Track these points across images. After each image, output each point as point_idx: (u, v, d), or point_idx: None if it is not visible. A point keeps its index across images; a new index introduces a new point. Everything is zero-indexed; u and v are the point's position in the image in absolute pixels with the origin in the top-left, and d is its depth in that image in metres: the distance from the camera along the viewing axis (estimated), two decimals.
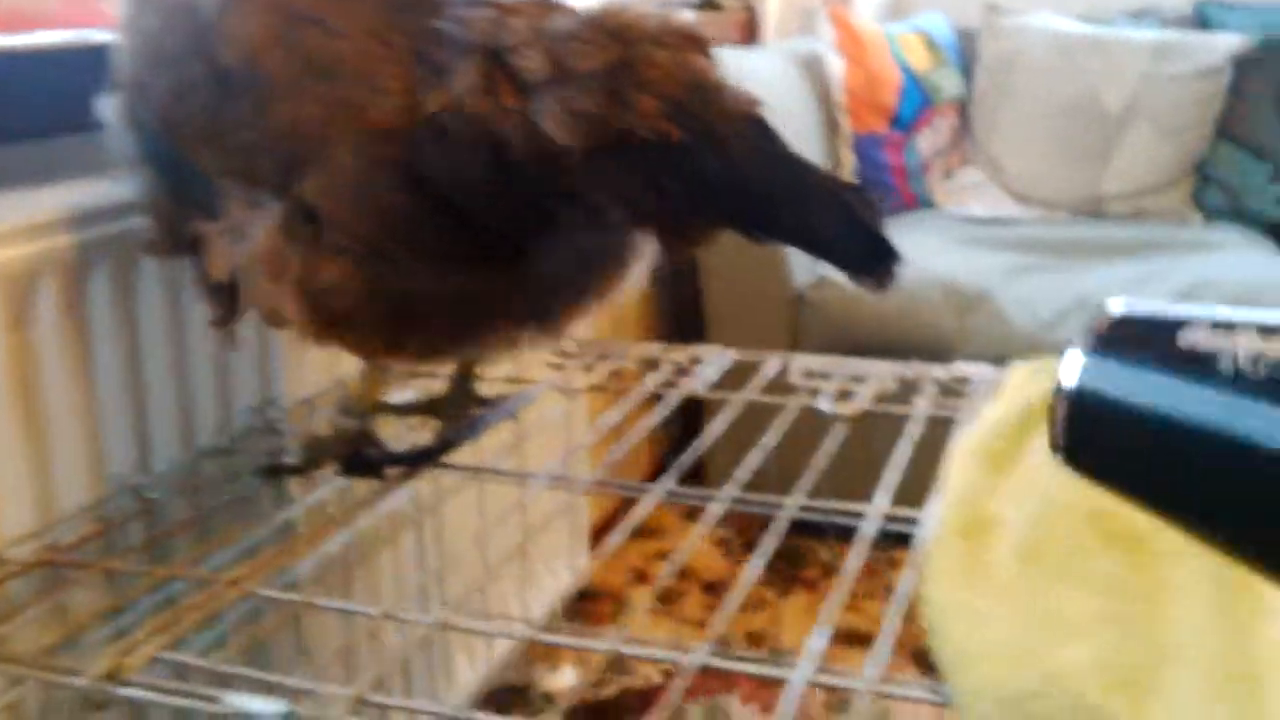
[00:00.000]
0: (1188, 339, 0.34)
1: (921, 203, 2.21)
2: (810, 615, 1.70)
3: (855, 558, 0.63)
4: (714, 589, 1.77)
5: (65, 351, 0.77)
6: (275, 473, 0.79)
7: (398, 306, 0.68)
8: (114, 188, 0.80)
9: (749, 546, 1.87)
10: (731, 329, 1.93)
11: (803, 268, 1.92)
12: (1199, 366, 0.34)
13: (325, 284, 0.67)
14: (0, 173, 0.87)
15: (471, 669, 1.25)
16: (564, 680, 1.66)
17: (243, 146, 0.66)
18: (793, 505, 0.69)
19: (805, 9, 2.44)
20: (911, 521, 0.66)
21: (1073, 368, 0.37)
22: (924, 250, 1.94)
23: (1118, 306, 0.38)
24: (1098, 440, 0.38)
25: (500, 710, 1.42)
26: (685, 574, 1.82)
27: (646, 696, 1.48)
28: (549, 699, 1.54)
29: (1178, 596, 0.50)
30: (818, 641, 0.53)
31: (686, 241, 0.65)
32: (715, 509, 0.70)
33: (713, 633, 0.56)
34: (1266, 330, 0.34)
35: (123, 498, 0.80)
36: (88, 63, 0.75)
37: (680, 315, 2.10)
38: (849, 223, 0.60)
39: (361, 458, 0.78)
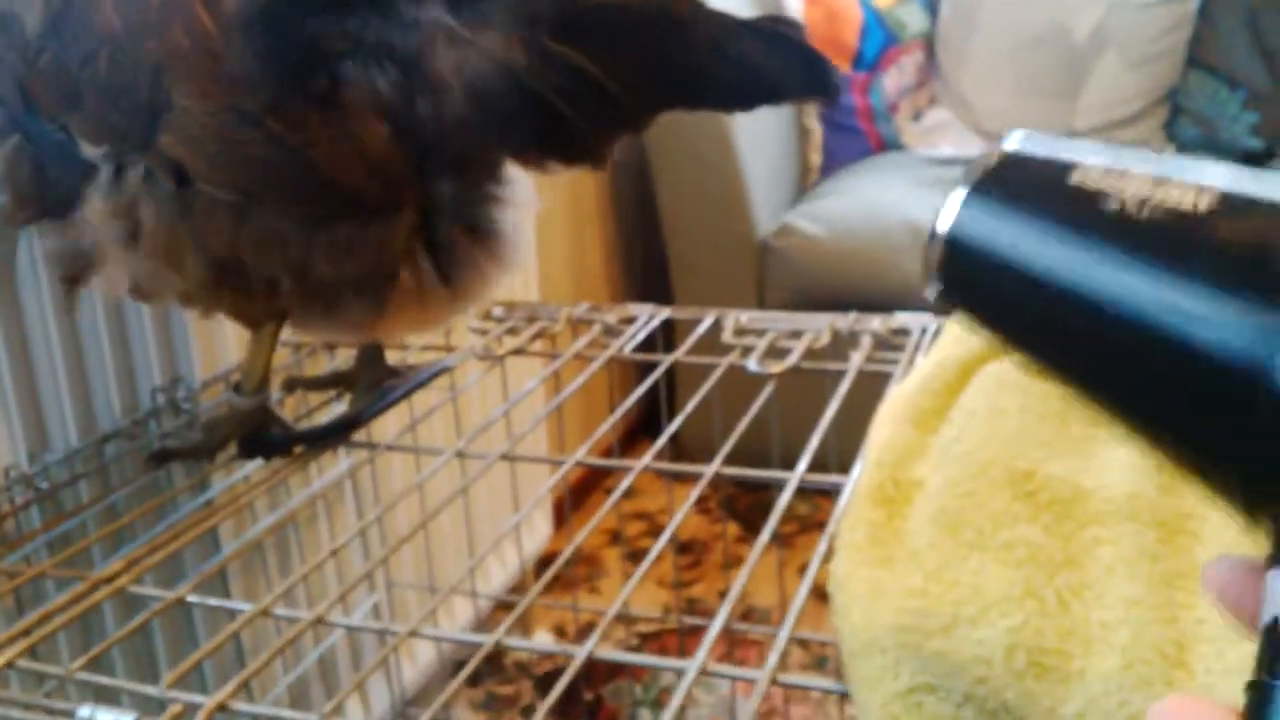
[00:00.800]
0: (1078, 179, 0.32)
1: (889, 145, 2.15)
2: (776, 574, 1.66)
3: (772, 525, 0.58)
4: (687, 549, 1.74)
5: None
6: (165, 458, 0.74)
7: (271, 263, 0.64)
8: None
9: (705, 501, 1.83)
10: (697, 281, 1.89)
11: (766, 215, 1.86)
12: (1082, 207, 0.32)
13: (207, 245, 0.63)
14: None
15: (430, 649, 1.21)
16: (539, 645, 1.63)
17: (98, 105, 0.62)
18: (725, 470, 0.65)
19: None
20: (837, 487, 0.62)
21: (953, 204, 0.34)
22: (892, 193, 1.88)
23: (1013, 142, 0.34)
24: (972, 280, 0.35)
25: (472, 680, 1.39)
26: (652, 533, 1.79)
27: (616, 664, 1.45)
28: (522, 667, 1.51)
29: (1102, 567, 0.46)
30: (716, 625, 0.49)
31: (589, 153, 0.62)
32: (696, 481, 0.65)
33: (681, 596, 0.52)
34: (1160, 178, 0.31)
35: (16, 488, 0.75)
36: None
37: (646, 271, 2.06)
38: (785, 50, 0.59)
39: (261, 439, 0.74)
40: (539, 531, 1.44)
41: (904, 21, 2.18)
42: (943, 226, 0.35)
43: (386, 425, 0.89)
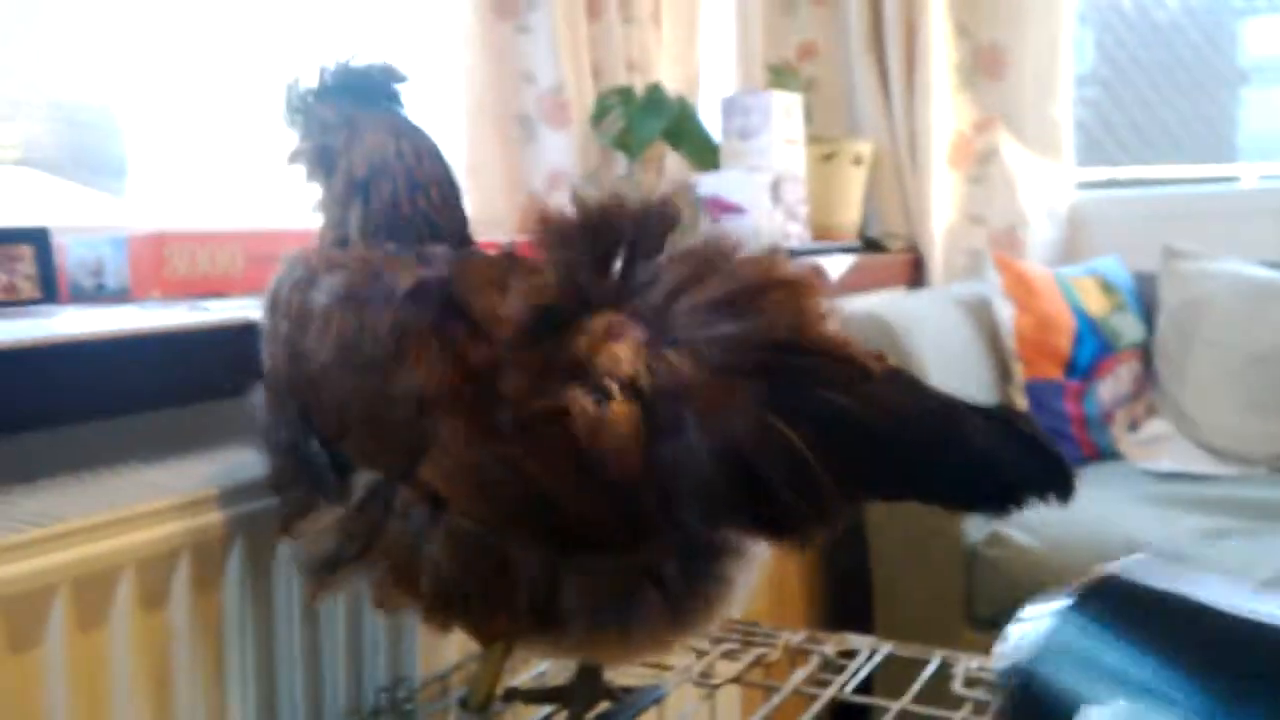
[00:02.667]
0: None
1: (1104, 455, 2.08)
2: None
3: None
4: None
5: (198, 632, 0.76)
6: None
7: (508, 591, 0.66)
8: (248, 464, 0.82)
9: None
10: (900, 589, 1.83)
11: (974, 523, 1.82)
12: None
13: (445, 568, 0.65)
14: (157, 439, 0.90)
15: None
16: None
17: (376, 437, 0.67)
18: None
19: (972, 251, 2.42)
20: None
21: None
22: (1109, 507, 1.81)
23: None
24: None
25: None
26: None
27: None
28: None
29: None
30: None
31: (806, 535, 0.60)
32: None
33: None
34: None
35: None
36: (250, 335, 0.77)
37: (846, 579, 2.01)
38: (1018, 443, 0.56)
39: None
40: None
41: (1119, 330, 2.15)
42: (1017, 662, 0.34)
43: None
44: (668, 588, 0.66)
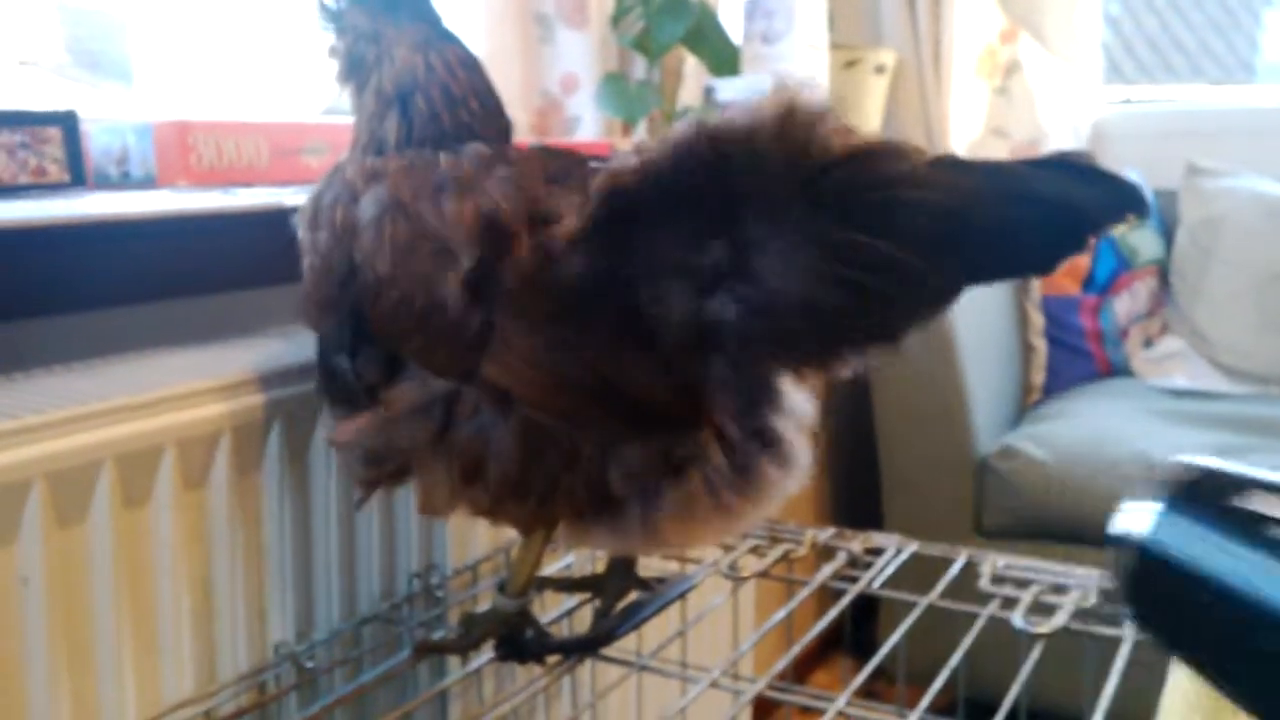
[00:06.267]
0: (1248, 502, 0.32)
1: (1118, 370, 2.09)
2: None
3: None
4: None
5: (237, 513, 0.77)
6: (430, 651, 0.77)
7: (569, 478, 0.66)
8: (286, 350, 0.82)
9: None
10: (910, 501, 1.85)
11: (986, 435, 1.83)
12: (1250, 531, 0.32)
13: (511, 462, 0.66)
14: (193, 325, 0.90)
15: None
16: None
17: (438, 340, 0.66)
18: None
19: None
20: None
21: (1145, 515, 0.33)
22: (1121, 422, 1.82)
23: (1202, 462, 0.35)
24: (1165, 597, 0.35)
25: None
26: None
27: None
28: None
29: None
30: None
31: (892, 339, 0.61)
32: None
33: None
34: None
35: (282, 666, 0.79)
36: (282, 222, 0.77)
37: (854, 484, 2.03)
38: (1082, 178, 0.56)
39: (519, 641, 0.75)
40: None
41: (1137, 247, 2.14)
42: (1135, 534, 0.34)
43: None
44: (734, 457, 0.66)
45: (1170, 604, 0.35)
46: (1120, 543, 0.33)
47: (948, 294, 0.59)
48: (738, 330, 0.61)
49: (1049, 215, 0.56)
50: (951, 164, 0.56)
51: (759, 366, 0.64)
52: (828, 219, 0.57)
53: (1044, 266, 0.59)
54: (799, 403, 0.69)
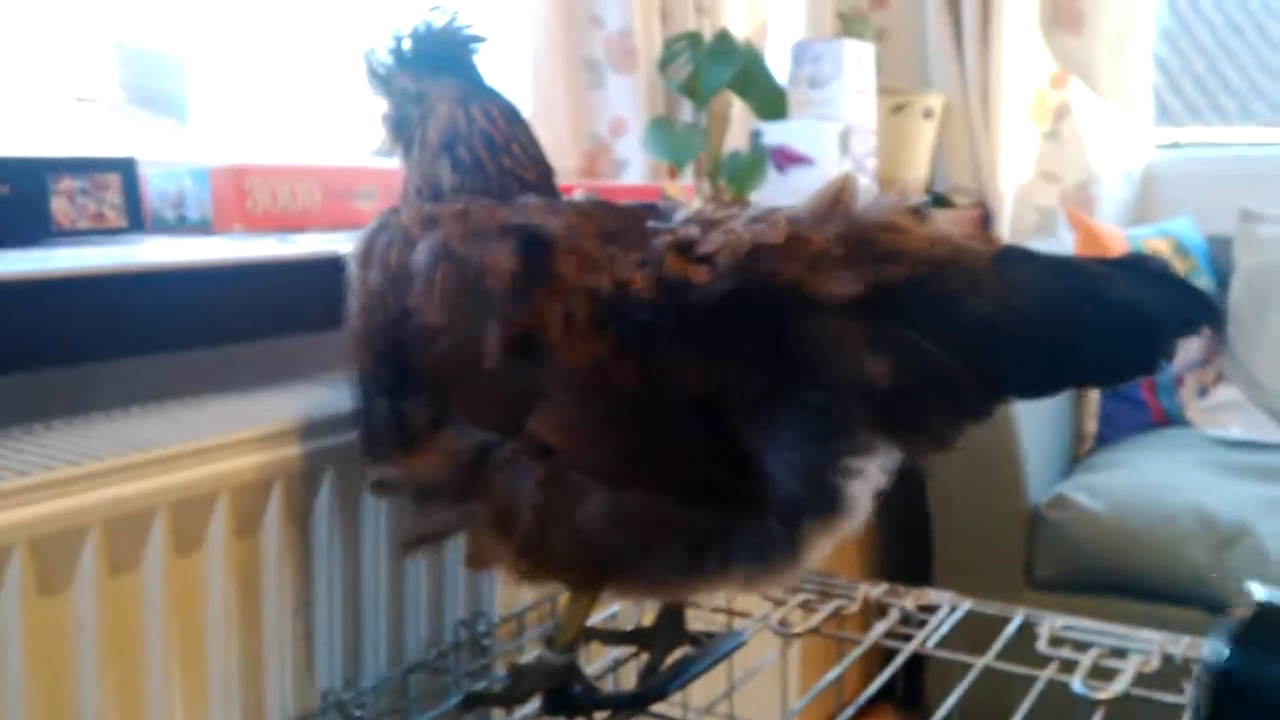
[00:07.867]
0: None
1: (1172, 420, 2.05)
2: None
3: None
4: None
5: (287, 560, 0.77)
6: (478, 702, 0.76)
7: (612, 542, 0.66)
8: (337, 398, 0.82)
9: None
10: (960, 551, 1.82)
11: (1038, 484, 1.80)
12: None
13: (549, 520, 0.65)
14: (247, 371, 0.91)
15: None
16: None
17: (484, 392, 0.66)
18: None
19: (1041, 209, 2.37)
20: None
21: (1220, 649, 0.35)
22: (1176, 473, 1.79)
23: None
24: None
25: None
26: None
27: None
28: None
29: None
30: None
31: (937, 437, 0.61)
32: None
33: None
34: None
35: (330, 714, 0.78)
36: (337, 269, 0.77)
37: (903, 532, 2.00)
38: (1150, 282, 0.55)
39: (566, 695, 0.74)
40: None
41: None
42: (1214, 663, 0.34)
43: None
44: (764, 532, 0.66)
45: None
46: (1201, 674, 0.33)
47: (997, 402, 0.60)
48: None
49: (1114, 325, 0.55)
50: (1022, 262, 0.56)
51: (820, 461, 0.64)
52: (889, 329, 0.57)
53: (1108, 376, 0.58)
54: (876, 465, 0.68)
